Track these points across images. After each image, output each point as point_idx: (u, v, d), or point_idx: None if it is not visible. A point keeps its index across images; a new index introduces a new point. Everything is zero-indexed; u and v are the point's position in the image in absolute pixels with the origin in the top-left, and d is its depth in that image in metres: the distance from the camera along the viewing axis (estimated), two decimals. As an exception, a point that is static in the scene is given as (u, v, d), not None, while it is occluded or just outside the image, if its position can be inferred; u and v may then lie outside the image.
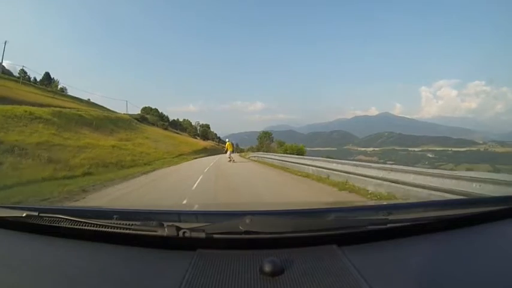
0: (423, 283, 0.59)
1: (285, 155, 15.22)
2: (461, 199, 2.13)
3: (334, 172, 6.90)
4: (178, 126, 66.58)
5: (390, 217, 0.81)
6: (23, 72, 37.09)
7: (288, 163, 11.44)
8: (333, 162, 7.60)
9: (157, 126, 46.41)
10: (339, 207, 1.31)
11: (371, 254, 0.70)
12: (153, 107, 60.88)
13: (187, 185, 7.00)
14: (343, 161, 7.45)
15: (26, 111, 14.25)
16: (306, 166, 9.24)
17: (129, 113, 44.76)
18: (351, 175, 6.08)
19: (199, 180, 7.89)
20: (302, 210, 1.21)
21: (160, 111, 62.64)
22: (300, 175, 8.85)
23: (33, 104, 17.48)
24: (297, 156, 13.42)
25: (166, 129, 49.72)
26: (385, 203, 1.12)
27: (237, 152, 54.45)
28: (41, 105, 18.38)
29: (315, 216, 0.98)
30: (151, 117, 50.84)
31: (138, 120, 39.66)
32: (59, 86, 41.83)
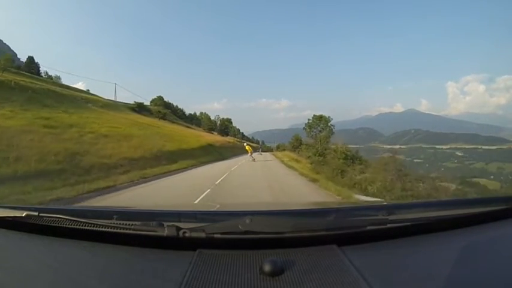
0: (423, 283, 0.60)
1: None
2: (461, 199, 2.13)
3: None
4: (194, 120, 62.81)
5: (390, 217, 0.81)
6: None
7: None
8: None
9: (153, 115, 38.86)
10: (339, 207, 1.31)
11: (371, 254, 0.70)
12: (168, 101, 56.95)
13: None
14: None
15: None
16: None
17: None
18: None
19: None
20: (302, 210, 1.21)
21: (173, 104, 58.86)
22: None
23: None
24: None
25: (162, 118, 40.10)
26: (385, 203, 1.12)
27: (264, 151, 38.91)
28: None
29: (315, 216, 0.98)
30: (154, 107, 45.29)
31: (135, 110, 35.60)
32: (51, 75, 39.69)
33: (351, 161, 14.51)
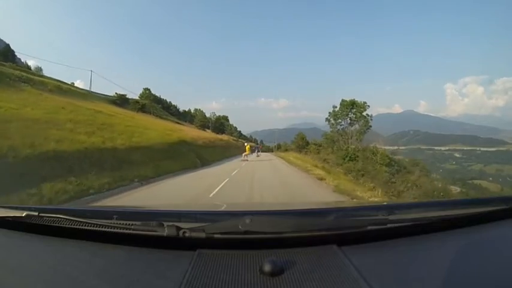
0: (423, 283, 0.60)
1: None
2: (461, 199, 2.14)
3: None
4: (188, 117, 60.71)
5: (390, 217, 0.81)
6: None
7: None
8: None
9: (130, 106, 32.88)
10: (339, 207, 1.31)
11: (371, 254, 0.70)
12: (160, 96, 54.07)
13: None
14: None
15: None
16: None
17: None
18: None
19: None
20: (302, 210, 1.21)
21: (166, 100, 57.20)
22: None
23: None
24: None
25: (141, 111, 32.08)
26: (385, 203, 1.12)
27: (264, 151, 33.44)
28: None
29: (315, 216, 0.98)
30: (134, 99, 39.24)
31: (116, 103, 30.93)
32: (30, 64, 36.22)
33: (395, 167, 10.04)
